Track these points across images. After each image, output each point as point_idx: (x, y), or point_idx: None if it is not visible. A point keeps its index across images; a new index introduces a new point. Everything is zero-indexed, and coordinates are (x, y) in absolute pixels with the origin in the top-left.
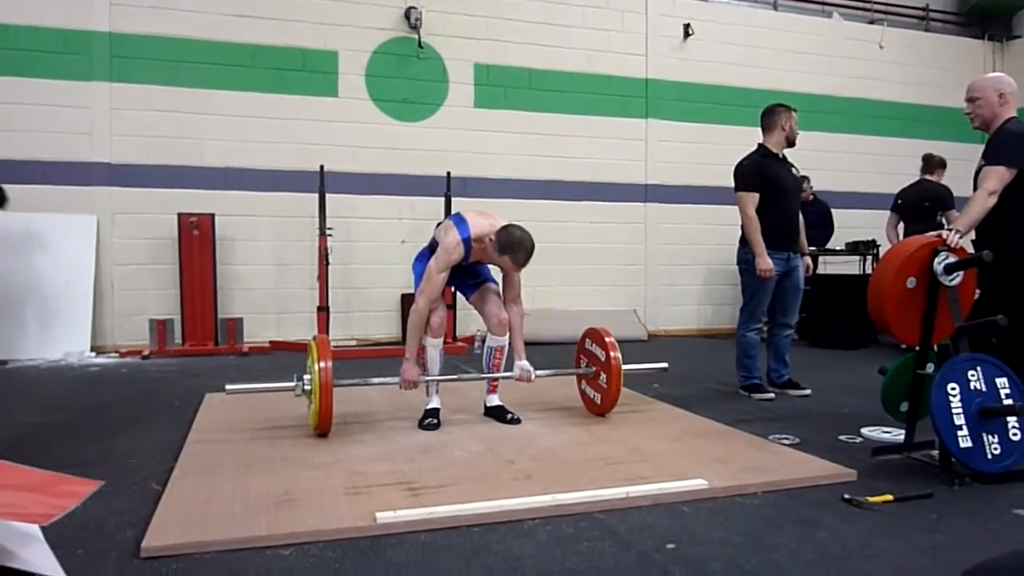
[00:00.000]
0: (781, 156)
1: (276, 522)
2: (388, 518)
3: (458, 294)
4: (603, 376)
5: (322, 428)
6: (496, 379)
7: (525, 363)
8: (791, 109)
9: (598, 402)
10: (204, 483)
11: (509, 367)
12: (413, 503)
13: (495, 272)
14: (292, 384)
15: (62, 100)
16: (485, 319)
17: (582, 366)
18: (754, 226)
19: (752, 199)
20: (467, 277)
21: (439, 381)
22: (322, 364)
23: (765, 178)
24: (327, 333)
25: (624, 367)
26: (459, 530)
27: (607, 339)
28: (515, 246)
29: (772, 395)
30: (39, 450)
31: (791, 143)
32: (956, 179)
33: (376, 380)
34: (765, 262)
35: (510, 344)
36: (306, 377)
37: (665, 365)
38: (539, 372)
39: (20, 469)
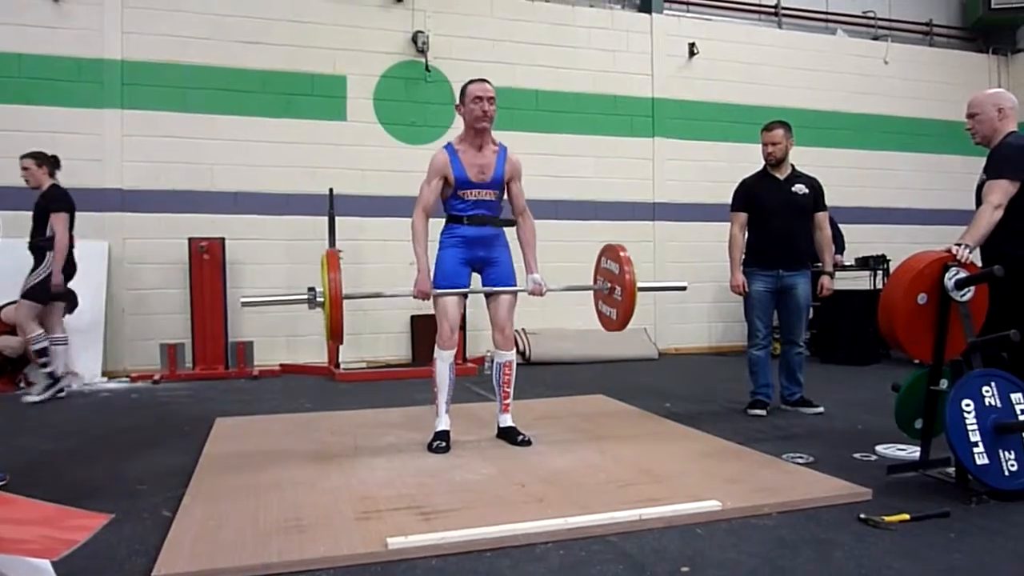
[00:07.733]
0: (777, 176)
1: (287, 548)
2: (399, 543)
3: (469, 316)
4: (618, 290)
5: (334, 339)
6: (507, 387)
7: (537, 275)
8: (765, 129)
9: (614, 318)
10: (215, 509)
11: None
12: (424, 528)
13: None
14: (305, 296)
15: (74, 127)
16: (493, 328)
17: (598, 284)
18: (732, 243)
19: (736, 218)
20: (488, 268)
21: (448, 403)
22: (332, 275)
23: (748, 198)
24: (337, 357)
25: (640, 284)
26: (471, 555)
27: (622, 254)
28: (469, 82)
29: (762, 413)
30: (50, 476)
31: (769, 162)
32: (962, 193)
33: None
34: (733, 279)
35: (524, 261)
36: (318, 289)
37: (685, 284)
38: (553, 287)
39: (30, 504)
